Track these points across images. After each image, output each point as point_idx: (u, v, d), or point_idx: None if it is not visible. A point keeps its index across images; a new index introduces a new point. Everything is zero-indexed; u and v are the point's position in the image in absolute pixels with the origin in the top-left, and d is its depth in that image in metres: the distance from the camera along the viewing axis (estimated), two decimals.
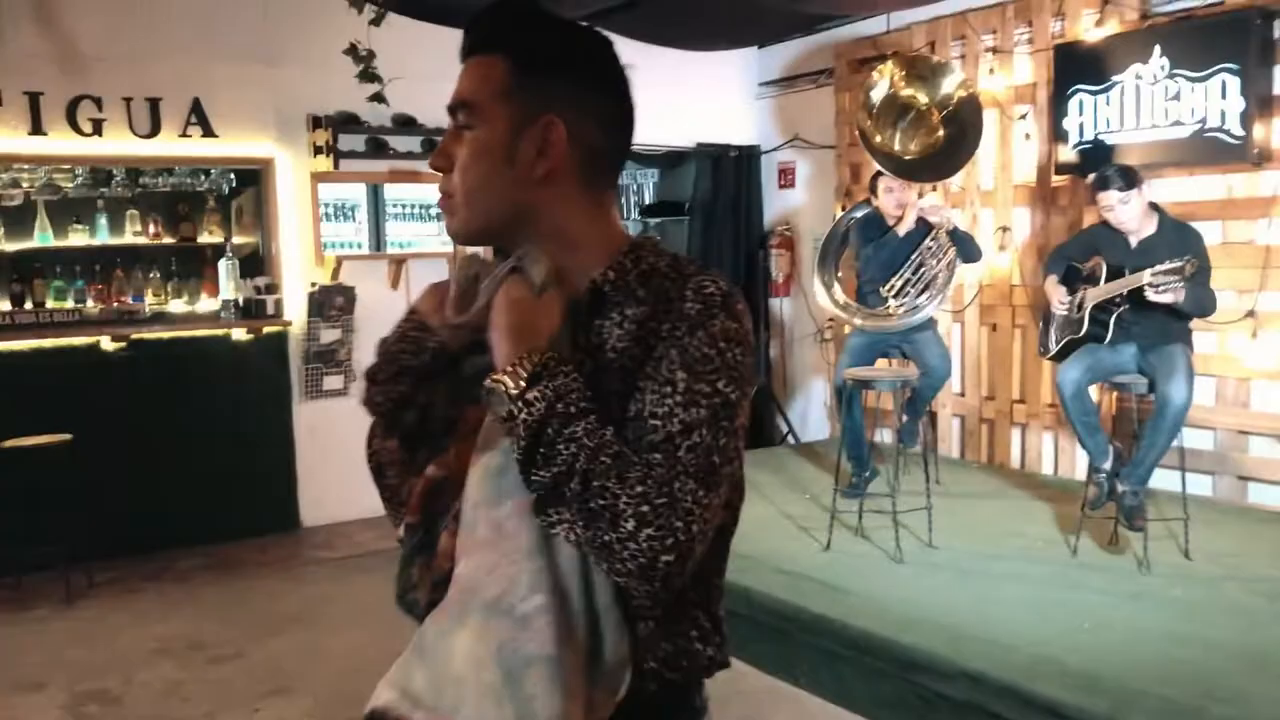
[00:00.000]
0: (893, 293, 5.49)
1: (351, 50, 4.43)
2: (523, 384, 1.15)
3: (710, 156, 7.84)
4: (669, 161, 8.41)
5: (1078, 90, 5.74)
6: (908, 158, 5.66)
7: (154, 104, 5.81)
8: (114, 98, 5.71)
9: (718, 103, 7.85)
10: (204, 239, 6.32)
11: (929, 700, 3.57)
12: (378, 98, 4.40)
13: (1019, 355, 6.32)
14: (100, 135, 5.68)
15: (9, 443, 5.09)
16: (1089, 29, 5.73)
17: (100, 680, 4.24)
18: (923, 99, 5.60)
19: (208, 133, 5.97)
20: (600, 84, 1.30)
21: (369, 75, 4.41)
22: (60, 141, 5.60)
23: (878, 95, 5.60)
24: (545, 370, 1.16)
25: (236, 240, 6.33)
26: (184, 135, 5.91)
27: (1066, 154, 5.82)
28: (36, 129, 5.53)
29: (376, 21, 4.06)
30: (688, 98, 7.64)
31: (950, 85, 5.63)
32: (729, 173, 7.86)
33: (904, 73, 5.62)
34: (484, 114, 1.25)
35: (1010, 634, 3.74)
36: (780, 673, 4.09)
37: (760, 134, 8.02)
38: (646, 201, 9.00)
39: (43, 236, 5.80)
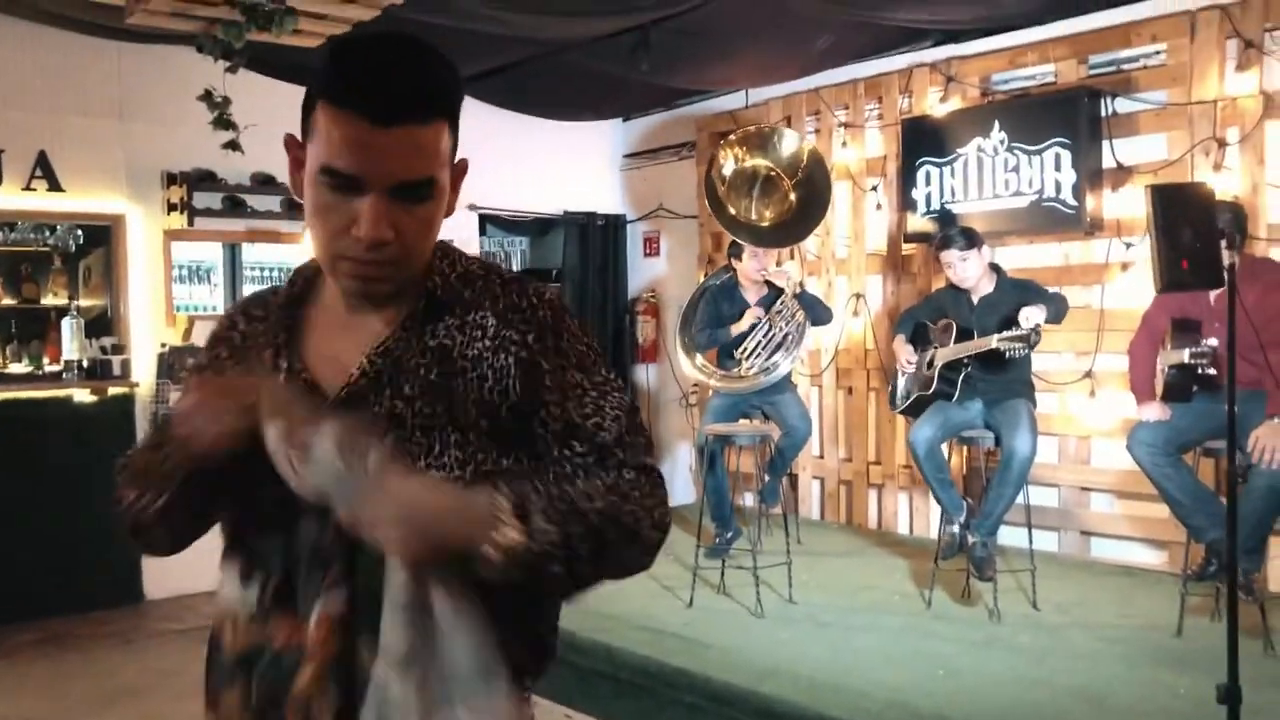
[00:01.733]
0: (745, 354, 5.60)
1: (206, 96, 4.35)
2: (521, 531, 1.13)
3: (577, 224, 7.93)
4: (538, 228, 8.48)
5: (924, 162, 6.01)
6: (764, 225, 5.82)
7: None
8: None
9: (584, 172, 7.97)
10: (48, 300, 6.07)
11: None
12: (232, 145, 4.32)
13: (874, 417, 6.50)
14: None
15: None
16: (934, 105, 6.02)
17: None
18: (770, 165, 5.78)
19: (54, 186, 5.76)
20: None
21: (223, 122, 4.33)
22: None
23: (728, 170, 5.77)
24: (517, 505, 1.14)
25: (84, 302, 6.09)
26: (28, 189, 5.69)
27: (916, 223, 6.07)
28: None
29: (233, 69, 4.02)
30: (555, 166, 7.75)
31: (791, 147, 5.83)
32: (596, 240, 7.96)
33: (744, 149, 5.81)
34: (440, 186, 1.24)
35: (865, 681, 3.79)
36: None
37: (625, 203, 8.15)
38: (515, 268, 9.03)
39: None
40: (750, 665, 3.97)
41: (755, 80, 6.76)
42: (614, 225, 8.04)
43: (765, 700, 3.67)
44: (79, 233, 6.08)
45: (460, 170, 1.28)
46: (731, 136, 5.92)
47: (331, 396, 1.27)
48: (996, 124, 5.70)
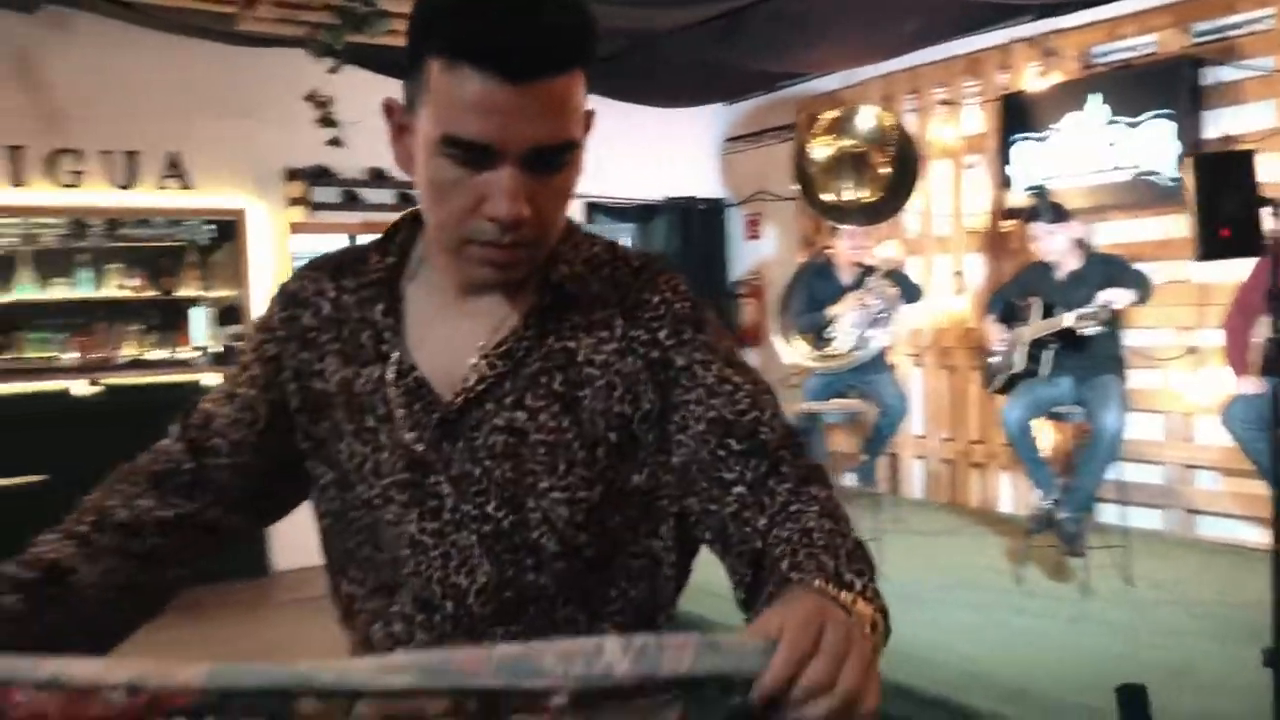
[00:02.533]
0: (836, 334, 5.65)
1: (310, 97, 4.64)
2: (863, 600, 0.90)
3: (679, 209, 8.06)
4: (643, 215, 8.63)
5: (1023, 138, 5.95)
6: (855, 205, 5.86)
7: (131, 156, 6.01)
8: (93, 151, 5.92)
9: (686, 157, 8.10)
10: (183, 292, 6.50)
11: None
12: (335, 142, 4.59)
13: (976, 397, 6.46)
14: (79, 187, 5.88)
15: None
16: (1032, 80, 5.96)
17: None
18: (856, 144, 5.80)
19: (185, 184, 6.17)
20: None
21: (327, 121, 4.60)
22: (39, 193, 5.80)
23: (817, 156, 5.82)
24: (834, 577, 0.92)
25: (215, 293, 6.50)
26: (161, 187, 6.11)
27: (1013, 199, 6.02)
28: (17, 181, 5.73)
29: (334, 69, 4.27)
30: (657, 153, 7.89)
31: (871, 122, 5.83)
32: (697, 225, 8.08)
33: (827, 135, 5.84)
34: (579, 150, 1.06)
35: (946, 653, 3.84)
36: None
37: (727, 187, 8.25)
38: None
39: (22, 289, 5.96)
40: None
41: (845, 63, 6.77)
42: (715, 209, 8.15)
43: None
44: (208, 227, 6.50)
45: (588, 124, 1.07)
46: (814, 127, 5.96)
47: (444, 402, 1.10)
48: (1097, 97, 5.61)
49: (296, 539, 5.80)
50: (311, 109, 5.43)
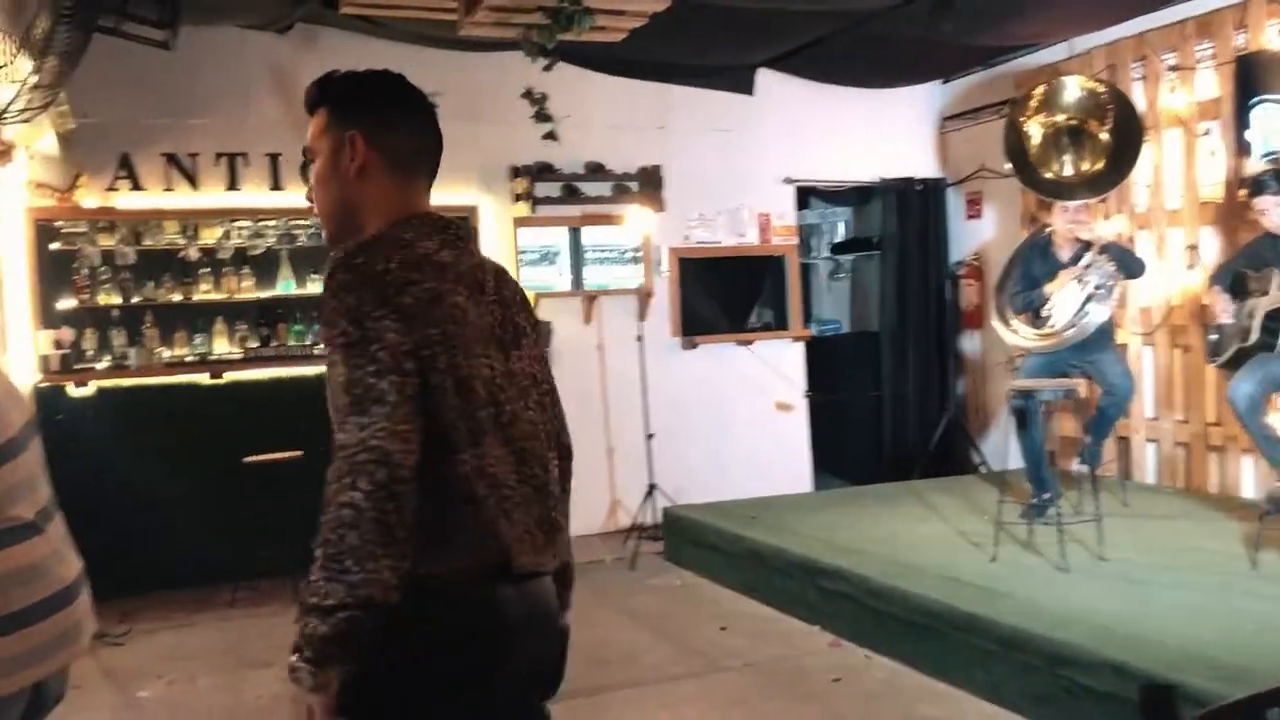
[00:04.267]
0: (1053, 310, 5.47)
1: (527, 94, 4.93)
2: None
3: (895, 191, 7.99)
4: (858, 198, 8.60)
5: (1261, 101, 5.60)
6: (1082, 177, 5.67)
7: None
8: None
9: (900, 137, 8.01)
10: None
11: (1074, 693, 3.59)
12: (551, 136, 4.86)
13: (1212, 377, 6.12)
14: None
15: (251, 458, 5.78)
16: (1273, 39, 5.60)
17: None
18: (1070, 116, 5.61)
19: None
20: (393, 102, 1.81)
21: (542, 116, 4.87)
22: (296, 196, 6.38)
23: (1033, 133, 5.67)
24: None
25: None
26: None
27: (1251, 167, 5.67)
28: (276, 185, 6.33)
29: (547, 68, 4.53)
30: (871, 135, 7.86)
31: (1077, 92, 5.62)
32: (915, 206, 7.98)
33: (1038, 113, 5.67)
34: (316, 149, 1.81)
35: (1167, 634, 3.71)
36: (934, 671, 4.18)
37: (944, 167, 8.11)
38: (838, 239, 9.20)
39: (285, 284, 6.57)
40: (1046, 614, 3.99)
41: (1066, 32, 6.55)
42: (932, 189, 8.02)
43: (1057, 645, 3.69)
44: None
45: (352, 140, 1.78)
46: (1023, 104, 5.81)
47: None
48: None
49: None
50: (529, 106, 5.74)
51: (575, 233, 7.08)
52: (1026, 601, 4.17)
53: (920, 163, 8.06)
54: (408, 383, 1.56)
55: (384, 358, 1.55)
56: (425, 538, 1.56)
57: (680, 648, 4.72)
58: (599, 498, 7.02)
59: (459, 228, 1.85)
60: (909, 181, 7.96)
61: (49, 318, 6.06)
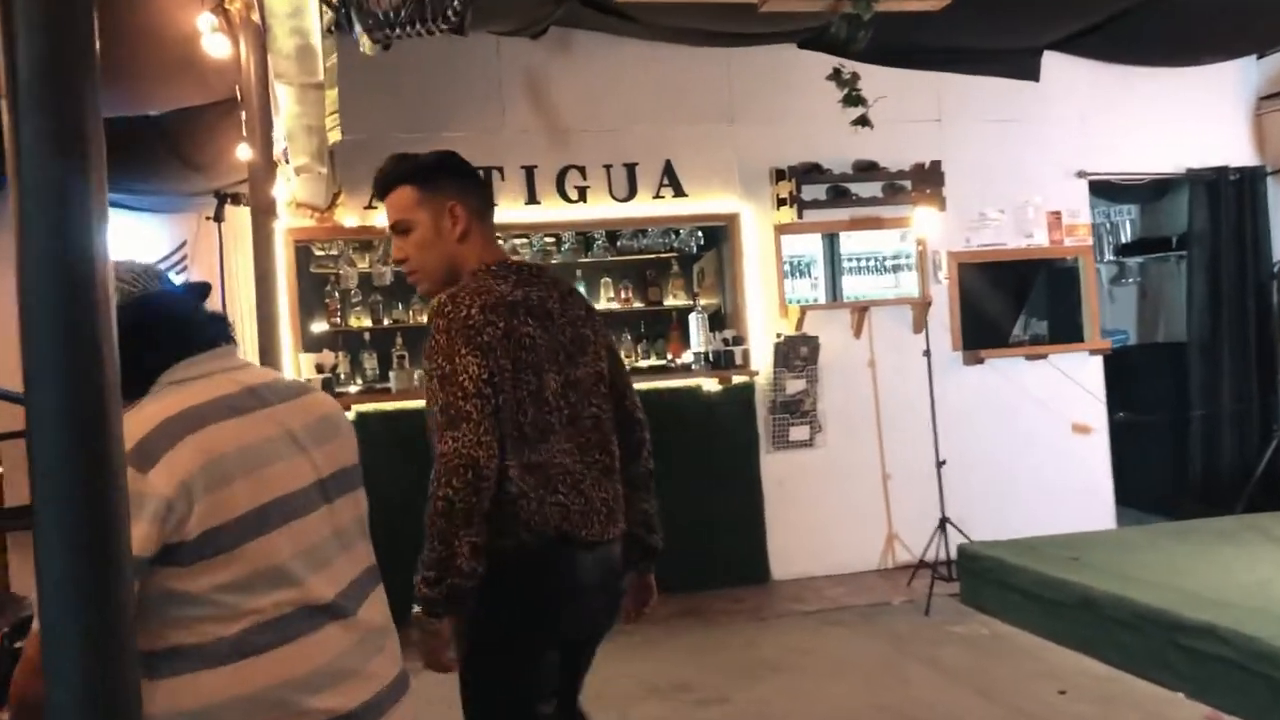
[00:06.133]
0: None
1: (835, 75, 4.40)
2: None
3: (1204, 182, 7.02)
4: (1151, 192, 7.64)
5: None
6: None
7: (630, 169, 6.15)
8: (595, 165, 6.11)
9: (1207, 121, 7.04)
10: (669, 301, 6.61)
11: None
12: (862, 120, 4.31)
13: None
14: (584, 201, 6.10)
15: None
16: None
17: (597, 713, 4.33)
18: None
19: (679, 193, 6.21)
20: (465, 173, 2.31)
21: (853, 99, 4.32)
22: (551, 210, 6.07)
23: None
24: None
25: (703, 301, 6.52)
26: (657, 196, 6.20)
27: None
28: (531, 199, 6.03)
29: (857, 44, 3.97)
30: (1172, 119, 6.94)
31: None
32: (1229, 199, 6.99)
33: None
34: (413, 220, 2.26)
35: None
36: None
37: (1263, 153, 7.08)
38: (1124, 240, 8.22)
39: None
40: None
41: None
42: (1249, 179, 7.01)
43: None
44: (699, 234, 6.54)
45: (453, 208, 2.26)
46: None
47: None
48: None
49: (793, 549, 5.62)
50: (801, 105, 5.23)
51: (831, 240, 6.51)
52: None
53: (1233, 150, 7.06)
54: (487, 404, 2.05)
55: (469, 386, 2.04)
56: (502, 517, 2.07)
57: (1015, 713, 4.03)
58: (874, 530, 6.38)
59: (531, 268, 2.32)
60: (1222, 171, 6.97)
61: (306, 341, 5.94)
